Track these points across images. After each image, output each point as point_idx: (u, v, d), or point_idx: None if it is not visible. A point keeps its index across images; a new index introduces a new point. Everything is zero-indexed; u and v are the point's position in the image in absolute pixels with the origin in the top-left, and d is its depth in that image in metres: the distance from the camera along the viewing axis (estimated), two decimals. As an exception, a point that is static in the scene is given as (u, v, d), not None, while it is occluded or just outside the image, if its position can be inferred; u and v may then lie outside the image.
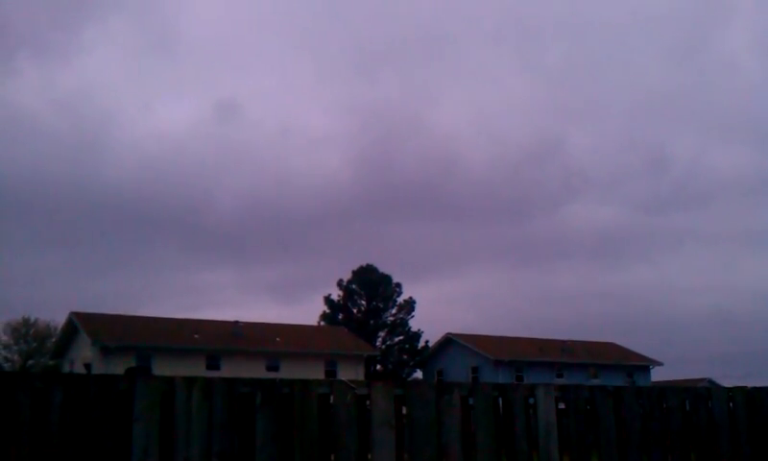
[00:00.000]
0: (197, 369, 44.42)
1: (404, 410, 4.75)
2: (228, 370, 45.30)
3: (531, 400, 5.02)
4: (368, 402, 4.68)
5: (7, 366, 69.56)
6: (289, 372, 45.57)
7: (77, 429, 4.12)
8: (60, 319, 55.43)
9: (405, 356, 61.83)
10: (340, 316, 61.73)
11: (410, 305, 62.75)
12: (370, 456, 4.64)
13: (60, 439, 4.08)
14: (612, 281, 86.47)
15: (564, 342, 54.10)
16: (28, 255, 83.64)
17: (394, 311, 62.76)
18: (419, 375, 61.54)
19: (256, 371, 45.29)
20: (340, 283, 62.81)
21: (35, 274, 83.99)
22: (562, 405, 5.11)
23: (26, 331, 71.48)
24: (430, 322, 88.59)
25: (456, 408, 4.80)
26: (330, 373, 48.47)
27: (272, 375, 45.45)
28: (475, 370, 51.99)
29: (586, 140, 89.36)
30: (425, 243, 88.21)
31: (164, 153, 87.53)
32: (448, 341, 56.14)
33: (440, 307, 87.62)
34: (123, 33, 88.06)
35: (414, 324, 63.03)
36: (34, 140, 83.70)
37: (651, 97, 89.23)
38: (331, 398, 4.61)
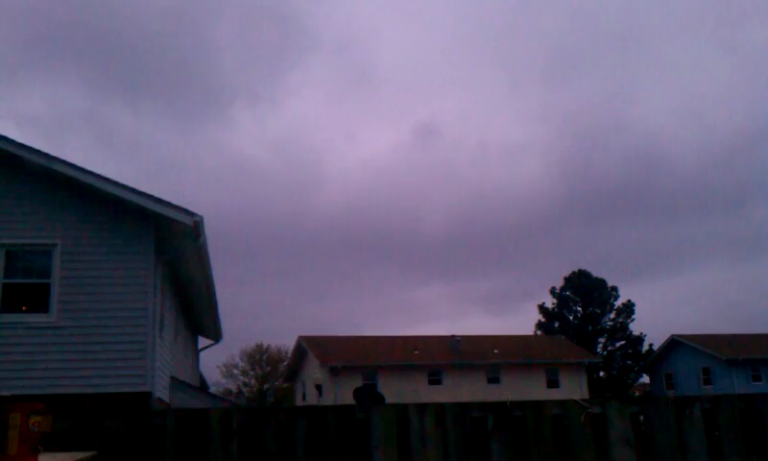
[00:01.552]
0: (420, 384, 45.38)
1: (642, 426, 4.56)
2: (449, 384, 45.85)
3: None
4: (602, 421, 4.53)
5: (245, 390, 74.70)
6: (510, 383, 45.29)
7: (320, 457, 4.34)
8: (289, 344, 58.77)
9: (629, 362, 59.38)
10: (556, 324, 60.49)
11: (629, 309, 60.29)
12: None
13: (307, 468, 4.32)
14: None
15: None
16: (257, 288, 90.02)
17: (612, 316, 60.58)
18: (645, 380, 58.91)
19: (477, 383, 45.51)
20: (553, 291, 61.65)
21: (264, 304, 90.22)
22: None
23: (260, 357, 76.21)
24: (652, 324, 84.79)
25: (699, 424, 4.53)
26: (552, 382, 47.58)
27: (493, 387, 45.38)
28: (706, 371, 48.83)
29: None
30: (638, 243, 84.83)
31: (371, 179, 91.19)
32: (674, 343, 53.23)
33: (660, 308, 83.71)
34: (323, 72, 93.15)
35: (634, 327, 60.62)
36: (253, 183, 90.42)
37: None
38: (565, 419, 4.52)
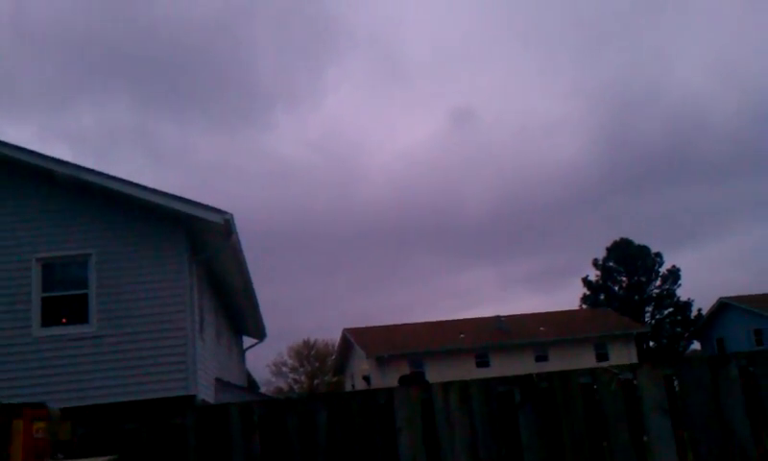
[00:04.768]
0: (467, 367, 45.14)
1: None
2: (497, 365, 45.54)
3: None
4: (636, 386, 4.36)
5: (296, 387, 75.16)
6: (559, 359, 44.82)
7: (343, 445, 4.24)
8: (336, 337, 58.89)
9: (678, 329, 58.31)
10: (601, 296, 59.63)
11: (675, 275, 59.05)
12: (646, 439, 4.32)
13: (328, 456, 4.22)
14: None
15: None
16: (304, 285, 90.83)
17: (657, 283, 59.41)
18: (696, 346, 57.88)
19: (525, 363, 45.10)
20: (596, 263, 60.73)
21: (312, 300, 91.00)
22: None
23: (308, 353, 76.54)
24: (699, 289, 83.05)
25: (736, 382, 4.33)
26: (601, 356, 47.00)
27: (541, 365, 44.97)
28: (758, 333, 47.78)
29: None
30: (682, 209, 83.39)
31: (411, 169, 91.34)
32: (723, 306, 52.15)
33: (707, 273, 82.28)
34: (359, 68, 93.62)
35: (682, 293, 59.35)
36: (296, 183, 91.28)
37: None
38: (594, 386, 4.35)
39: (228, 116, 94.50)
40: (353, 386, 51.06)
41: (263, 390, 62.78)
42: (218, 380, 18.38)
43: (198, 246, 15.00)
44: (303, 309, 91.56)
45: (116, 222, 14.47)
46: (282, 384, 76.01)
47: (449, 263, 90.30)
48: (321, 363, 74.17)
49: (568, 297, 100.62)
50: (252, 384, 36.53)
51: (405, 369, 44.50)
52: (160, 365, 14.11)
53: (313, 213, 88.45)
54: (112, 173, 14.44)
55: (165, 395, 14.03)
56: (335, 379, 63.41)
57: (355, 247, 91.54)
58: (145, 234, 14.40)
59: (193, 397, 14.18)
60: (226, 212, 13.81)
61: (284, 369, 76.44)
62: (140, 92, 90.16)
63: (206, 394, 16.20)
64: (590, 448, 4.26)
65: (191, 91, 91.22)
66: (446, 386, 4.35)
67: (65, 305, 14.28)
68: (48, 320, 14.13)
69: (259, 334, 27.85)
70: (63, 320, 14.32)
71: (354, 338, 49.44)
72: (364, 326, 51.48)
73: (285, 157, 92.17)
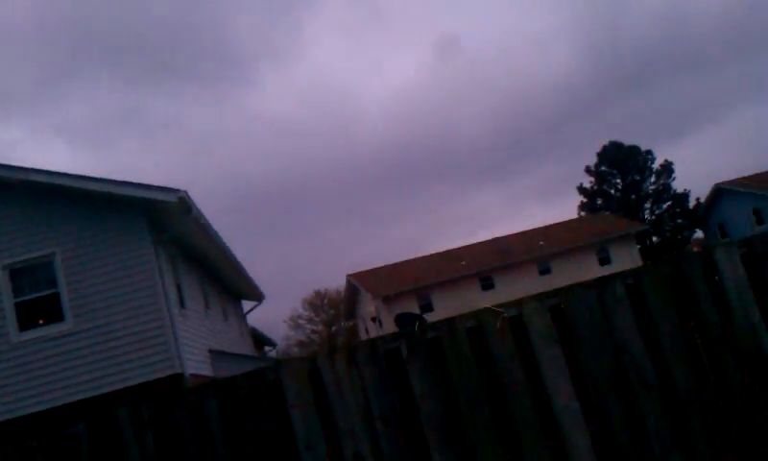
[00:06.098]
0: (473, 293, 45.39)
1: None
2: (501, 286, 45.80)
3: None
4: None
5: (315, 337, 75.96)
6: (562, 271, 45.01)
7: (236, 430, 4.21)
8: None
9: (679, 221, 58.30)
10: (599, 201, 59.59)
11: (668, 169, 58.84)
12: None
13: (223, 444, 4.20)
14: None
15: None
16: (313, 236, 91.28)
17: (652, 179, 59.24)
18: (699, 235, 57.98)
19: (529, 279, 45.31)
20: (588, 169, 60.50)
21: (321, 251, 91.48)
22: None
23: (321, 302, 77.21)
24: (696, 179, 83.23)
25: (624, 301, 4.26)
26: (604, 260, 47.20)
27: (546, 278, 45.15)
28: (757, 212, 47.72)
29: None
30: (671, 103, 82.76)
31: (404, 105, 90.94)
32: (719, 192, 52.05)
33: (702, 162, 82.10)
34: (337, 16, 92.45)
35: (678, 185, 59.27)
36: (292, 138, 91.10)
37: None
38: (482, 329, 4.29)
39: (214, 83, 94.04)
40: (366, 329, 51.48)
41: (283, 345, 63.32)
42: (212, 351, 18.50)
43: (160, 227, 14.96)
44: (315, 261, 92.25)
45: (76, 217, 14.45)
46: (301, 336, 76.96)
47: (452, 192, 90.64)
48: (336, 310, 74.94)
49: (569, 208, 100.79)
50: (263, 343, 36.84)
51: (413, 304, 44.85)
52: (143, 349, 14.20)
53: (314, 164, 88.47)
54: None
55: (154, 377, 14.15)
56: (351, 323, 64.02)
57: (360, 192, 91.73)
58: (105, 224, 14.37)
59: (180, 375, 14.29)
60: (179, 190, 13.72)
61: (301, 321, 77.26)
62: (123, 72, 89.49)
63: (200, 367, 16.32)
64: (485, 390, 4.22)
65: (175, 63, 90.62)
66: (331, 353, 4.30)
67: (39, 307, 14.32)
68: (25, 324, 14.18)
69: (257, 296, 28.01)
70: (41, 321, 14.37)
71: (359, 281, 49.71)
72: (368, 268, 51.68)
73: (274, 113, 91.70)
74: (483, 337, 4.27)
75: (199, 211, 14.71)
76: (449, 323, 4.31)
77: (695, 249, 51.77)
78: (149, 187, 13.77)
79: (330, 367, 4.27)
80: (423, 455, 4.15)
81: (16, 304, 14.08)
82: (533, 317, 4.26)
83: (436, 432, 4.15)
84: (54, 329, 14.10)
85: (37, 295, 14.23)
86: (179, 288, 16.00)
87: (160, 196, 13.73)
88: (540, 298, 4.32)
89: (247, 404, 4.24)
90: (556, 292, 4.36)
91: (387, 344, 4.32)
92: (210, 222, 16.40)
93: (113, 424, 4.27)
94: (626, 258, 45.69)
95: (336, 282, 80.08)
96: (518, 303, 4.33)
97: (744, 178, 50.16)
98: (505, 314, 4.28)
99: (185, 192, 13.74)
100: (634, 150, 59.37)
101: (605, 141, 56.15)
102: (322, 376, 4.26)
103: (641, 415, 4.12)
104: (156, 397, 4.38)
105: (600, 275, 4.64)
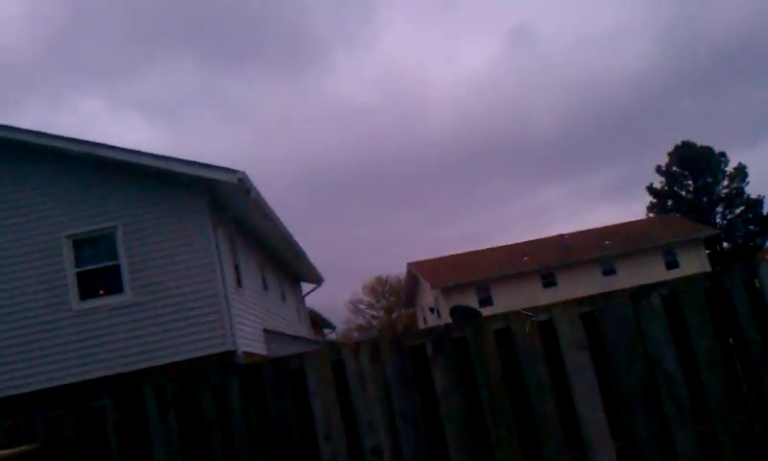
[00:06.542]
0: (534, 290, 44.89)
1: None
2: (564, 284, 45.12)
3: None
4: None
5: (375, 322, 76.33)
6: (627, 273, 44.10)
7: (257, 413, 4.23)
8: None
9: (752, 227, 56.30)
10: (669, 202, 57.98)
11: (741, 173, 56.65)
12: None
13: (243, 423, 4.23)
14: None
15: None
16: (379, 222, 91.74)
17: (725, 183, 57.25)
18: (774, 243, 56.02)
19: (593, 278, 44.54)
20: (659, 169, 58.87)
21: (380, 237, 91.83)
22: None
23: (382, 289, 77.49)
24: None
25: (659, 312, 4.11)
26: (671, 263, 46.00)
27: (610, 278, 44.30)
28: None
29: None
30: (745, 107, 79.94)
31: (475, 95, 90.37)
32: (797, 199, 50.12)
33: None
34: (410, 4, 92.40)
35: (751, 190, 57.08)
36: (362, 123, 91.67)
37: None
38: (509, 332, 4.20)
39: (287, 66, 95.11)
40: (424, 318, 51.45)
41: (343, 328, 63.79)
42: (267, 331, 18.72)
43: (221, 206, 15.18)
44: (378, 247, 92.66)
45: (138, 192, 14.78)
46: (361, 321, 77.44)
47: (518, 186, 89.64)
48: (397, 297, 75.12)
49: (637, 209, 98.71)
50: (322, 325, 37.16)
51: (472, 297, 44.57)
52: (198, 325, 14.45)
53: (381, 152, 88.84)
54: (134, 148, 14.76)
55: (208, 352, 14.40)
56: (411, 311, 64.14)
57: (426, 181, 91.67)
58: (167, 201, 14.65)
59: (233, 352, 14.49)
60: (239, 171, 13.89)
61: (361, 306, 77.71)
62: (202, 52, 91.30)
63: (253, 346, 16.53)
64: (509, 392, 4.14)
65: (250, 46, 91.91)
66: (356, 347, 4.28)
67: (100, 278, 14.70)
68: (85, 293, 14.58)
69: (316, 279, 28.23)
70: (101, 291, 14.75)
71: (419, 271, 49.64)
72: (429, 258, 51.58)
73: (347, 99, 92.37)
74: (511, 339, 4.19)
75: (258, 193, 14.87)
76: (477, 324, 4.24)
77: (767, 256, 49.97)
78: (210, 167, 13.98)
79: (354, 359, 4.25)
80: (442, 454, 4.10)
81: (78, 274, 14.50)
82: (563, 323, 4.15)
83: (455, 431, 4.09)
84: (113, 300, 14.47)
85: (99, 266, 14.62)
86: (236, 268, 16.22)
87: (221, 176, 13.93)
88: (572, 304, 4.21)
89: (269, 391, 4.26)
90: (591, 299, 4.24)
91: (413, 340, 4.28)
92: (271, 205, 16.57)
93: (139, 401, 4.34)
94: (694, 263, 44.50)
95: (398, 270, 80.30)
96: (549, 308, 4.23)
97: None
98: (534, 318, 4.18)
99: (244, 173, 13.89)
100: (707, 151, 57.37)
101: (677, 141, 54.84)
102: (344, 368, 4.25)
103: (670, 432, 3.97)
104: (180, 377, 4.43)
105: (666, 279, 4.49)
